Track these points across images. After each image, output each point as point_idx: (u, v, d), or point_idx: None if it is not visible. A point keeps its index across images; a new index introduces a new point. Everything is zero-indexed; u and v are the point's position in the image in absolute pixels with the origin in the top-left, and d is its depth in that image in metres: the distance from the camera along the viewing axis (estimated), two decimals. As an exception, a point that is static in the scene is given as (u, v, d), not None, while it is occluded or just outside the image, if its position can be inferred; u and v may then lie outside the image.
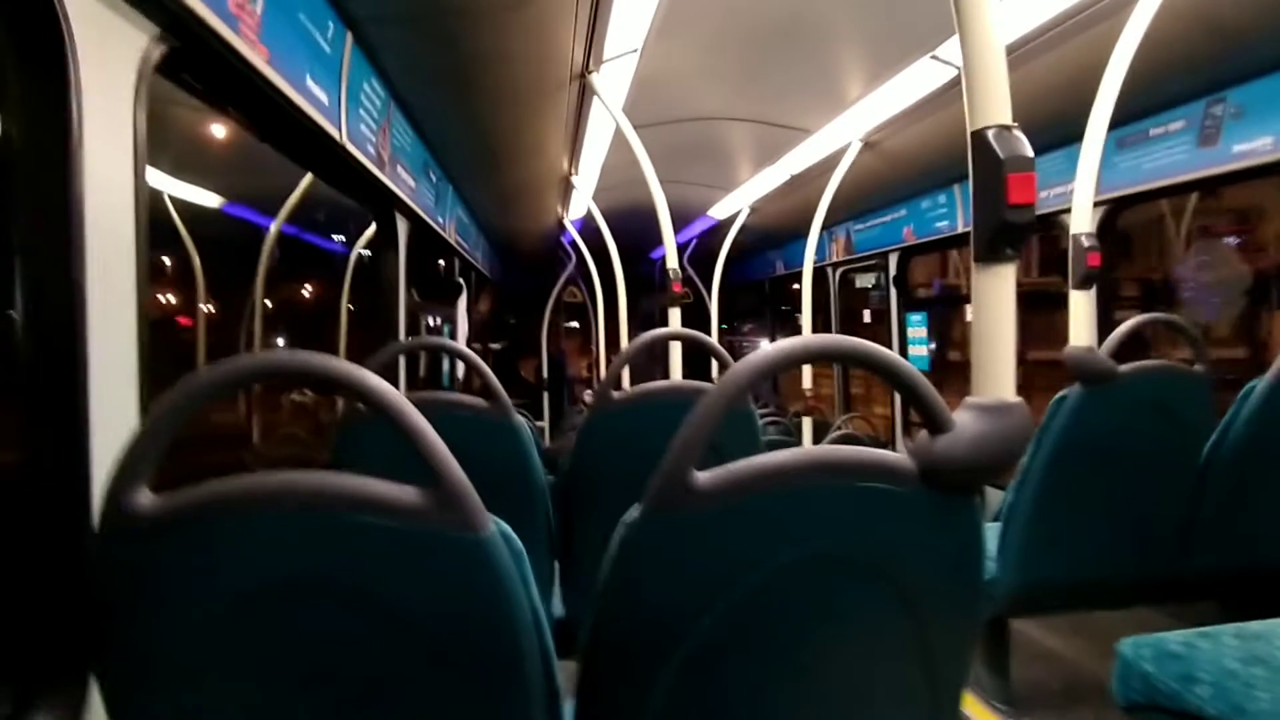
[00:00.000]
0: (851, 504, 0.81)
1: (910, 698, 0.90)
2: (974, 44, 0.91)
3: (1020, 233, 0.88)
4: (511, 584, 0.77)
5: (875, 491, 0.80)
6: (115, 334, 0.98)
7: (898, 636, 0.87)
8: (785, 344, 0.82)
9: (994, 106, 0.90)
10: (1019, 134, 0.89)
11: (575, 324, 8.58)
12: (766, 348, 0.80)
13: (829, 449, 0.81)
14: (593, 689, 0.87)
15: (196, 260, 3.80)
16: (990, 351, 0.92)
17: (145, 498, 0.72)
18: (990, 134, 0.89)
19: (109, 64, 0.97)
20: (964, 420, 0.83)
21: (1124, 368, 1.74)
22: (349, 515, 0.73)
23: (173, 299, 4.04)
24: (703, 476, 0.78)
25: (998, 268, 0.91)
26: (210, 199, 3.72)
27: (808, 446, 0.85)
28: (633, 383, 1.83)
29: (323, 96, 1.68)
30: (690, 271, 6.95)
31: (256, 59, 1.30)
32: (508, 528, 0.80)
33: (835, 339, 0.83)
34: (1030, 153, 0.89)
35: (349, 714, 0.79)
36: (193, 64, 1.24)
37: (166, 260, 3.78)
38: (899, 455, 0.82)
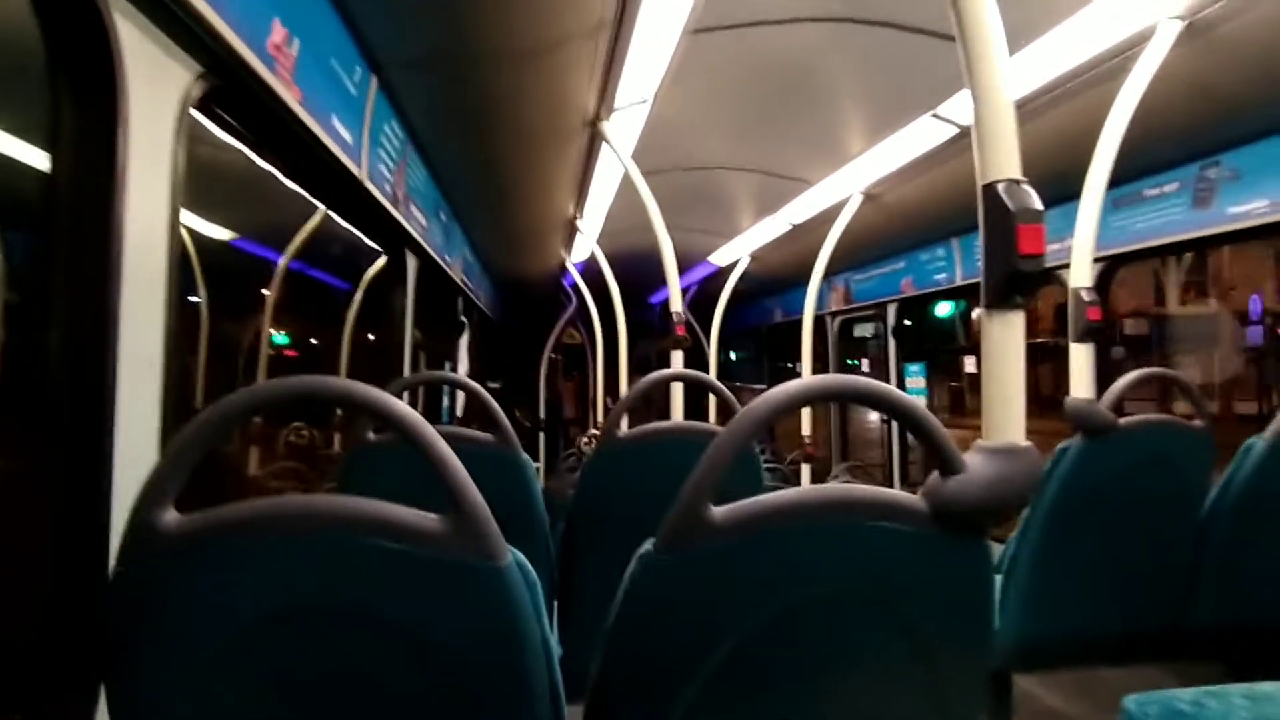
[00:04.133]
0: (863, 542, 0.82)
1: None
2: (985, 100, 0.95)
3: (1030, 281, 0.91)
4: (526, 615, 0.77)
5: (887, 531, 0.81)
6: (142, 360, 1.00)
7: (908, 680, 0.87)
8: (801, 382, 0.84)
9: (1004, 161, 0.94)
10: (1028, 188, 0.93)
11: (574, 368, 8.59)
12: (784, 385, 0.82)
13: (842, 486, 0.83)
14: (600, 718, 0.86)
15: (204, 292, 3.83)
16: (1000, 396, 0.94)
17: (170, 516, 0.73)
18: (1001, 187, 0.93)
19: (155, 100, 1.01)
20: (975, 463, 0.84)
21: (1124, 421, 1.76)
22: (368, 540, 0.73)
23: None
24: (718, 511, 0.79)
25: (1007, 315, 0.94)
26: (221, 233, 3.77)
27: (820, 484, 0.86)
28: (630, 424, 1.84)
29: (347, 136, 1.73)
30: (690, 317, 7.02)
31: (290, 98, 1.35)
32: (524, 559, 0.81)
33: (851, 379, 0.85)
34: (1039, 206, 0.92)
35: None
36: (228, 101, 1.29)
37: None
38: (911, 495, 0.83)
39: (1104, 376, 2.54)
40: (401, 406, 0.78)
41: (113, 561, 0.75)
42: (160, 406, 1.04)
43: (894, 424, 4.75)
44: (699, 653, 0.81)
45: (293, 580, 0.74)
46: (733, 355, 8.48)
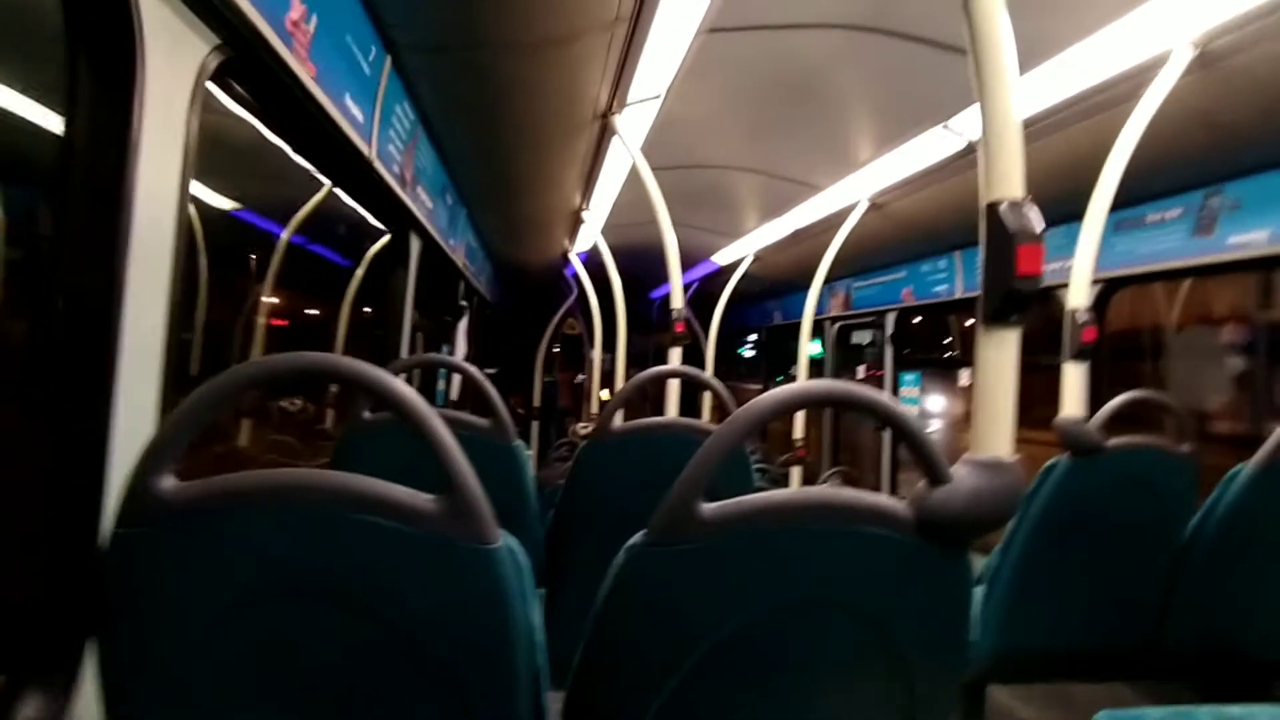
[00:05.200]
0: (847, 546, 0.83)
1: None
2: (993, 120, 0.97)
3: (1026, 301, 0.93)
4: (513, 598, 0.78)
5: (871, 536, 0.83)
6: (145, 329, 1.00)
7: (881, 685, 0.89)
8: (798, 386, 0.85)
9: (1009, 180, 0.95)
10: (1030, 209, 0.94)
11: (571, 358, 8.61)
12: (781, 388, 0.84)
13: (830, 490, 0.84)
14: (579, 711, 0.88)
15: (204, 261, 3.83)
16: (991, 411, 0.96)
17: (169, 482, 0.74)
18: (1003, 207, 0.94)
19: (172, 71, 1.02)
20: (961, 474, 0.86)
21: (1112, 442, 1.78)
22: (363, 516, 0.75)
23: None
24: (708, 508, 0.80)
25: (1003, 333, 0.96)
26: (222, 203, 3.76)
27: (809, 487, 0.88)
28: (625, 418, 1.86)
29: (359, 115, 1.74)
30: (690, 314, 7.03)
31: (304, 75, 1.36)
32: (515, 542, 0.82)
33: (846, 386, 0.87)
34: (1040, 227, 0.94)
35: (338, 711, 0.79)
36: (242, 74, 1.29)
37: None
38: (897, 502, 0.85)
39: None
40: (401, 386, 0.79)
41: (108, 523, 0.76)
42: (161, 375, 1.04)
43: (887, 433, 4.78)
44: (680, 646, 0.83)
45: (285, 552, 0.75)
46: (730, 355, 8.49)
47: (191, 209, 1.10)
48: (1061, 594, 1.85)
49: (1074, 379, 2.15)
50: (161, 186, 1.02)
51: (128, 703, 0.77)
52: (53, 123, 0.97)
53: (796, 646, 0.86)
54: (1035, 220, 0.93)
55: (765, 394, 0.83)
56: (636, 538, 0.82)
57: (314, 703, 0.79)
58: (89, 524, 0.92)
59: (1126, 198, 2.48)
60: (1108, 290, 2.96)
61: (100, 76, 0.94)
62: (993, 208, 0.95)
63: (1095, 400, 2.35)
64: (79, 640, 0.91)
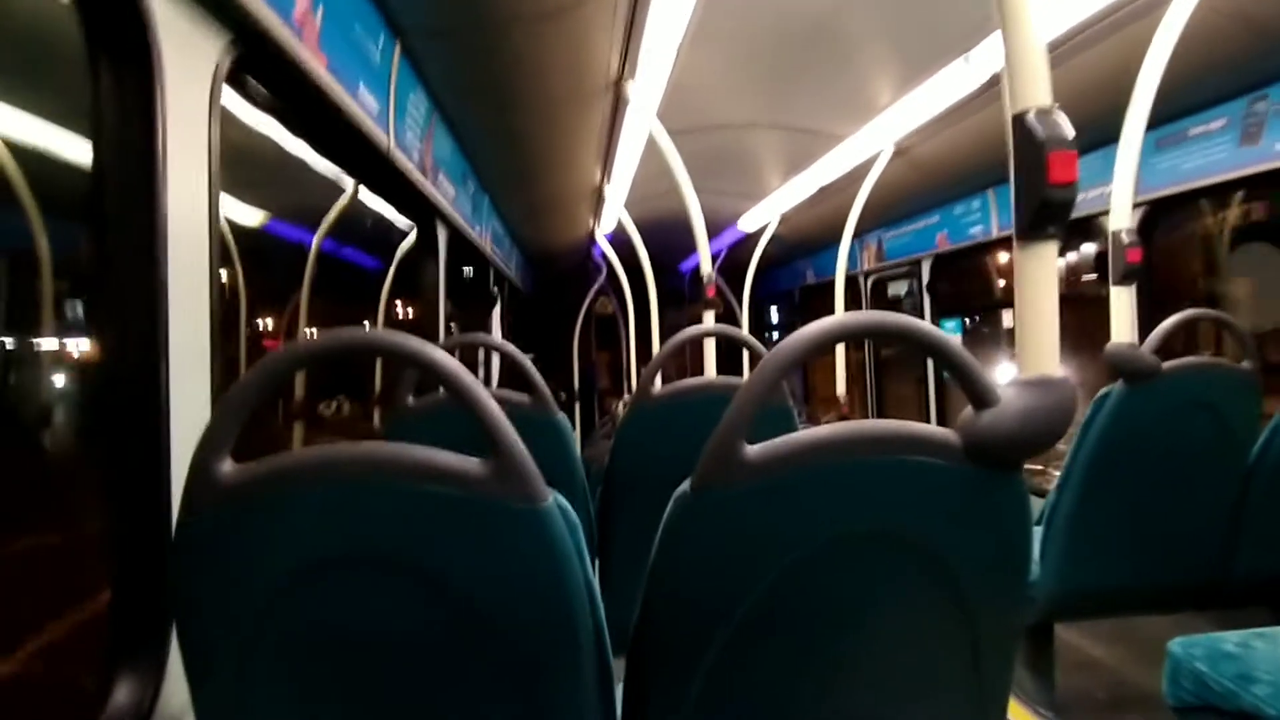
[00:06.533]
0: (896, 478, 0.82)
1: (955, 687, 0.89)
2: (1014, 30, 0.93)
3: (1062, 211, 0.90)
4: (568, 556, 0.79)
5: (920, 466, 0.81)
6: (191, 330, 1.04)
7: (943, 620, 0.87)
8: (833, 319, 0.83)
9: (1035, 89, 0.92)
10: (1060, 115, 0.91)
11: (606, 338, 8.64)
12: (816, 322, 0.82)
13: (874, 421, 0.83)
14: (642, 663, 0.88)
15: (240, 271, 3.93)
16: (1034, 328, 0.93)
17: (227, 465, 0.76)
18: (1031, 116, 0.91)
19: (189, 72, 1.04)
20: (1009, 396, 0.83)
21: (1168, 365, 1.72)
22: (411, 484, 0.75)
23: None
24: (752, 450, 0.80)
25: (1040, 247, 0.93)
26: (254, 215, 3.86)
27: (852, 421, 0.86)
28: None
29: (373, 105, 1.75)
30: (720, 281, 6.97)
31: (317, 66, 1.37)
32: (565, 501, 0.82)
33: (882, 315, 0.85)
34: (1071, 133, 0.90)
35: (405, 681, 0.81)
36: (257, 72, 1.31)
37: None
38: (944, 430, 0.83)
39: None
40: (444, 355, 0.80)
41: (175, 511, 0.79)
42: (210, 372, 1.08)
43: (930, 373, 4.70)
44: (736, 592, 0.82)
45: (339, 524, 0.77)
46: (764, 319, 8.41)
47: (224, 225, 1.13)
48: (1123, 527, 1.80)
49: (1122, 303, 2.08)
50: (190, 189, 1.04)
51: (208, 678, 0.80)
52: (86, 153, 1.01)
53: (852, 585, 0.85)
54: (1065, 126, 0.90)
55: (800, 330, 0.82)
56: (684, 486, 0.82)
57: (376, 670, 0.80)
58: (158, 515, 0.96)
59: (1164, 113, 2.37)
60: (1152, 213, 2.84)
61: (121, 86, 0.96)
62: (1020, 119, 0.91)
63: (1143, 331, 2.27)
64: (163, 625, 0.95)
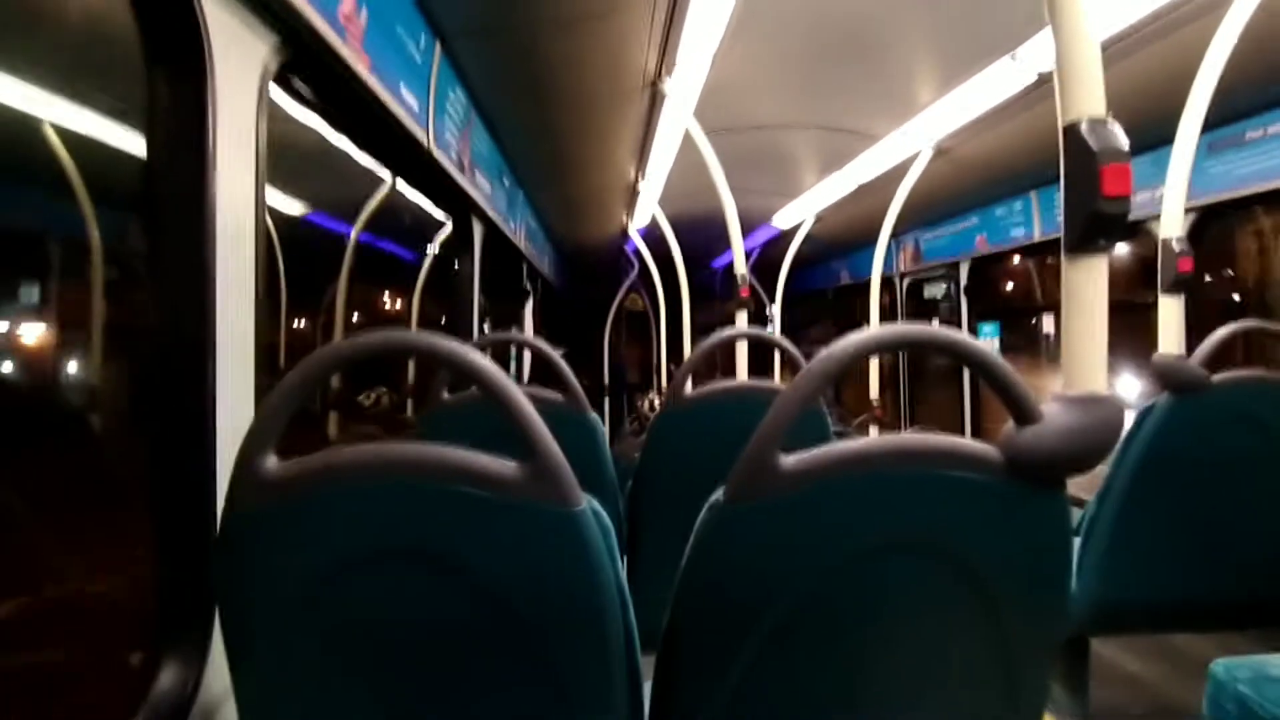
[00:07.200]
0: (934, 492, 0.81)
1: (989, 701, 0.88)
2: (1066, 34, 0.90)
3: (1115, 224, 0.87)
4: (600, 559, 0.79)
5: (958, 480, 0.80)
6: (237, 326, 1.06)
7: (977, 634, 0.86)
8: (871, 331, 0.83)
9: (1087, 98, 0.89)
10: (1114, 125, 0.88)
11: (637, 334, 8.65)
12: (853, 334, 0.81)
13: (913, 435, 0.82)
14: (671, 665, 0.89)
15: (282, 265, 4.02)
16: (1081, 344, 0.91)
17: (272, 462, 0.78)
18: (1084, 126, 0.88)
19: (238, 73, 1.06)
20: (1052, 412, 0.82)
21: (1217, 377, 1.67)
22: (448, 484, 0.76)
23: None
24: (787, 460, 0.79)
25: (1090, 260, 0.90)
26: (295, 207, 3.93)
27: (890, 434, 0.85)
28: (694, 388, 1.86)
29: (414, 103, 1.77)
30: (753, 280, 6.92)
31: (360, 67, 1.39)
32: (598, 505, 0.83)
33: (921, 327, 0.84)
34: (1126, 145, 0.88)
35: (438, 674, 0.82)
36: (303, 72, 1.33)
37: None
38: (984, 445, 0.81)
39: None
40: (479, 356, 0.80)
41: (220, 505, 0.81)
42: (254, 369, 1.11)
43: (965, 384, 4.63)
44: (767, 602, 0.82)
45: (377, 522, 0.78)
46: (796, 319, 8.34)
47: (268, 218, 1.15)
48: (1166, 541, 1.75)
49: (1171, 313, 2.02)
50: (238, 188, 1.06)
51: (248, 665, 0.82)
52: (138, 145, 1.04)
53: (885, 599, 0.84)
54: (1119, 137, 0.87)
55: (837, 342, 0.81)
56: (717, 494, 0.81)
57: (410, 663, 0.82)
58: (203, 508, 0.99)
59: (1220, 116, 2.29)
60: (1204, 220, 2.75)
61: (174, 87, 0.99)
62: (1072, 128, 0.89)
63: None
64: (207, 615, 0.98)
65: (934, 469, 0.80)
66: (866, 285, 4.47)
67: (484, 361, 0.80)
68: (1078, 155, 0.88)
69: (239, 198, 1.07)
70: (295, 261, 4.04)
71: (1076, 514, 2.10)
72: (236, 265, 1.06)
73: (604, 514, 0.83)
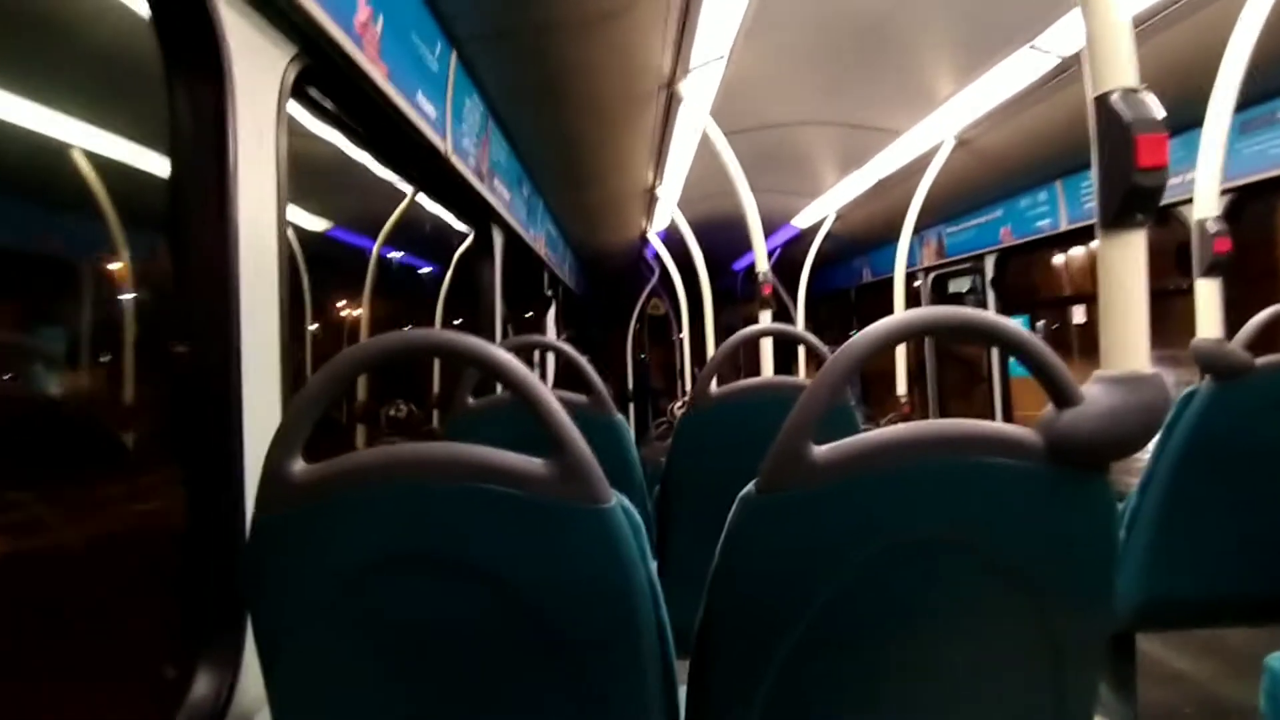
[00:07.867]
0: (973, 480, 0.78)
1: (1035, 699, 0.85)
2: (1096, 9, 0.88)
3: (1152, 197, 0.84)
4: (632, 556, 0.78)
5: (997, 467, 0.77)
6: (262, 334, 1.07)
7: (1021, 627, 0.83)
8: (900, 316, 0.80)
9: (1119, 68, 0.86)
10: (1148, 95, 0.85)
11: (659, 338, 8.64)
12: (882, 320, 0.79)
13: (949, 421, 0.79)
14: (705, 666, 0.87)
15: (306, 281, 4.07)
16: (1120, 322, 0.88)
17: (299, 465, 0.78)
18: (1115, 97, 0.85)
19: (258, 83, 1.07)
20: (1094, 394, 0.79)
21: (1261, 361, 1.61)
22: (476, 484, 0.76)
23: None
24: (820, 450, 0.77)
25: (1126, 235, 0.87)
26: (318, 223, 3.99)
27: (923, 421, 0.83)
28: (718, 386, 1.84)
29: (431, 112, 1.78)
30: (775, 279, 6.88)
31: (377, 75, 1.40)
32: (627, 501, 0.81)
33: (952, 310, 0.81)
34: (1161, 114, 0.85)
35: (469, 674, 0.81)
36: (321, 82, 1.34)
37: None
38: (1023, 429, 0.79)
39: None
40: (506, 355, 0.80)
41: (249, 508, 0.81)
42: (280, 371, 1.11)
43: (995, 380, 4.55)
44: (803, 596, 0.80)
45: (405, 522, 0.78)
46: (819, 317, 8.29)
47: (290, 233, 1.16)
48: (1213, 532, 1.69)
49: (1208, 297, 1.96)
50: (260, 198, 1.07)
51: (280, 668, 0.82)
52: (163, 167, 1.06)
53: (925, 590, 0.81)
54: (1154, 106, 0.85)
55: (866, 328, 0.79)
56: (749, 488, 0.80)
57: (441, 663, 0.81)
58: (233, 513, 0.99)
59: (1251, 95, 2.23)
60: (1238, 202, 2.67)
61: (195, 100, 1.00)
62: (1103, 100, 0.86)
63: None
64: (239, 618, 0.98)
65: (971, 456, 0.77)
66: (889, 283, 4.42)
67: (509, 359, 0.79)
68: (1111, 127, 0.85)
69: (261, 207, 1.08)
70: (320, 277, 4.10)
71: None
72: (260, 273, 1.07)
73: (633, 510, 0.82)
